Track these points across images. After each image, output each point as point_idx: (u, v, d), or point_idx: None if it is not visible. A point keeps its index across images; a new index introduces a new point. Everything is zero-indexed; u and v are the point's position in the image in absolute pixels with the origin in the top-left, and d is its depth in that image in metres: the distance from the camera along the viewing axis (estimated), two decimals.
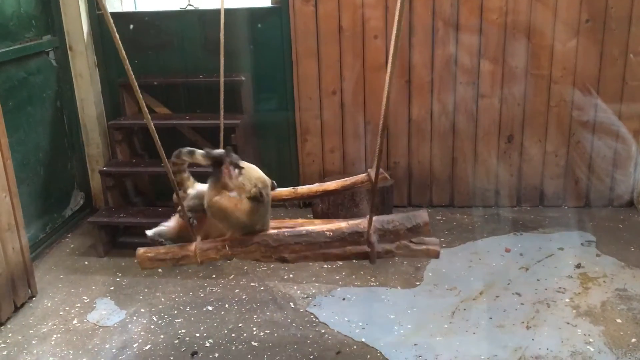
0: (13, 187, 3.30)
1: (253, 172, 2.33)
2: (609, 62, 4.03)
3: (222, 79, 2.79)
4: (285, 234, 2.34)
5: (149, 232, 2.46)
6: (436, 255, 2.49)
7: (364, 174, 2.63)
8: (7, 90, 3.71)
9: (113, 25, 1.84)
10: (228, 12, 4.20)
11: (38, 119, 4.03)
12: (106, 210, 4.10)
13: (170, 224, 2.51)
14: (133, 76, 1.95)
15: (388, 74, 1.86)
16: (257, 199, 2.26)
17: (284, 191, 2.65)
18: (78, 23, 4.25)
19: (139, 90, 2.02)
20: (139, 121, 4.27)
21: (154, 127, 2.07)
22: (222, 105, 2.82)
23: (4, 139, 3.23)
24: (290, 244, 2.32)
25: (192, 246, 2.37)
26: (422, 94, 4.22)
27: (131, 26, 4.30)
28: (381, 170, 2.30)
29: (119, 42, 1.86)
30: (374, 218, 2.28)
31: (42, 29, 4.08)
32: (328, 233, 2.31)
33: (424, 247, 2.45)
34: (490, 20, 4.04)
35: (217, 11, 4.26)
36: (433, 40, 4.10)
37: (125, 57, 1.88)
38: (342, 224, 2.35)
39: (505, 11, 4.00)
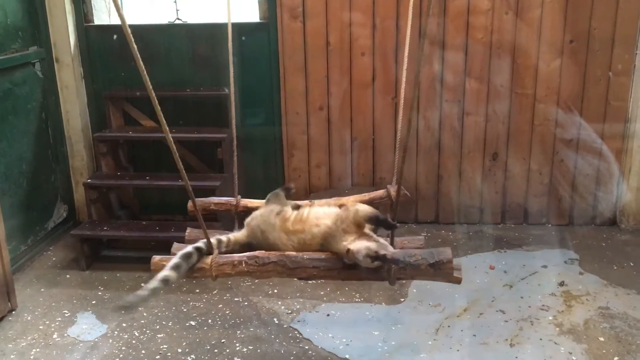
0: None
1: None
2: (592, 82, 4.09)
3: (232, 91, 2.84)
4: (305, 257, 2.31)
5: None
6: (458, 281, 2.31)
7: (383, 190, 2.65)
8: None
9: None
10: (216, 26, 4.25)
11: (22, 130, 4.00)
12: (89, 223, 4.06)
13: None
14: (151, 87, 1.94)
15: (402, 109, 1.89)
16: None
17: (301, 203, 2.66)
18: (65, 35, 4.24)
19: (157, 102, 2.04)
20: (124, 134, 4.25)
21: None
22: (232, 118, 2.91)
23: None
24: (308, 268, 2.29)
25: (209, 259, 2.33)
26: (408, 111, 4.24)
27: (115, 36, 4.29)
28: (402, 188, 2.30)
29: (138, 55, 1.87)
30: (396, 251, 2.26)
31: (28, 40, 4.06)
32: (346, 260, 2.25)
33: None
34: (476, 39, 4.08)
35: (205, 26, 4.34)
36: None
37: (144, 68, 1.89)
38: None
39: (491, 30, 4.05)
